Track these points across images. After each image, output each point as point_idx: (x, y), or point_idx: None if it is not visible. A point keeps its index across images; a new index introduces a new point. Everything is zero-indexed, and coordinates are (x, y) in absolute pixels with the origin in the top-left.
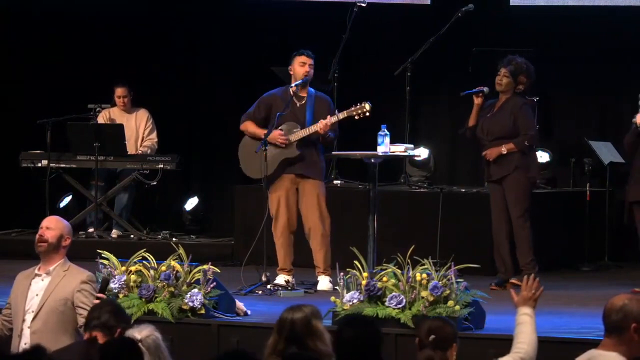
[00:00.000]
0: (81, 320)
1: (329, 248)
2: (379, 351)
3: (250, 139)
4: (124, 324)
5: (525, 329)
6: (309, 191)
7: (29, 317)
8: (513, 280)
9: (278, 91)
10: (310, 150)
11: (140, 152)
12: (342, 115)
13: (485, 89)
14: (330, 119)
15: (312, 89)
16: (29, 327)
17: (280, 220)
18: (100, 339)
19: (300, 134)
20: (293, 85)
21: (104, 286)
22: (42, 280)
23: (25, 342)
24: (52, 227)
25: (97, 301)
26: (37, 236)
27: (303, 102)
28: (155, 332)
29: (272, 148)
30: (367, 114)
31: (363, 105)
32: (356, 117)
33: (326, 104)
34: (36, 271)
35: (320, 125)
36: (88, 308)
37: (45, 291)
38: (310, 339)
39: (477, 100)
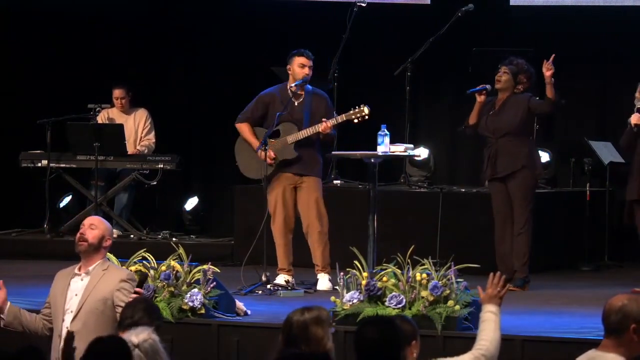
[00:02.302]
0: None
1: (327, 245)
2: (399, 351)
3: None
4: (157, 322)
5: (488, 327)
6: (306, 189)
7: (68, 317)
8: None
9: (276, 90)
10: (308, 149)
11: (137, 151)
12: (340, 118)
13: (488, 87)
14: (331, 121)
15: (309, 86)
16: (67, 327)
17: (278, 220)
18: None
19: (299, 135)
20: (293, 85)
21: (141, 281)
22: (82, 280)
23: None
24: (95, 226)
25: (135, 295)
26: (78, 235)
27: (300, 100)
28: (152, 335)
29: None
30: (366, 117)
31: (362, 108)
32: (355, 121)
33: (323, 101)
34: (76, 271)
35: (322, 127)
36: None
37: (85, 291)
38: (306, 344)
39: (480, 98)
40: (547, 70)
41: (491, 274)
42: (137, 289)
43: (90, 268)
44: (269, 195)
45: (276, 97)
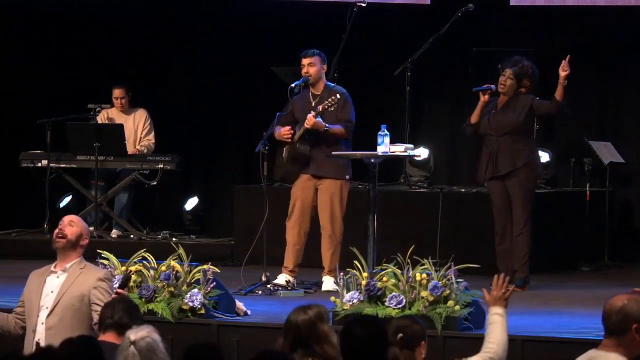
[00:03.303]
0: (96, 317)
1: (337, 250)
2: (386, 351)
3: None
4: (137, 321)
5: (495, 329)
6: (322, 191)
7: (43, 314)
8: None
9: (300, 94)
10: (321, 148)
11: (136, 152)
12: (319, 109)
13: (493, 87)
14: (311, 114)
15: (330, 84)
16: (42, 323)
17: (292, 219)
18: (114, 338)
19: (299, 132)
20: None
21: (125, 282)
22: (58, 277)
23: (39, 338)
24: (74, 224)
25: (115, 296)
26: (57, 231)
27: (318, 99)
28: (152, 334)
29: (285, 148)
30: (335, 105)
31: (334, 98)
32: (331, 109)
33: (335, 96)
34: (52, 268)
35: (306, 121)
36: None
37: (61, 287)
38: (316, 342)
39: (484, 98)
40: (563, 71)
41: (495, 276)
42: (119, 290)
43: (67, 265)
44: (292, 193)
45: (297, 102)
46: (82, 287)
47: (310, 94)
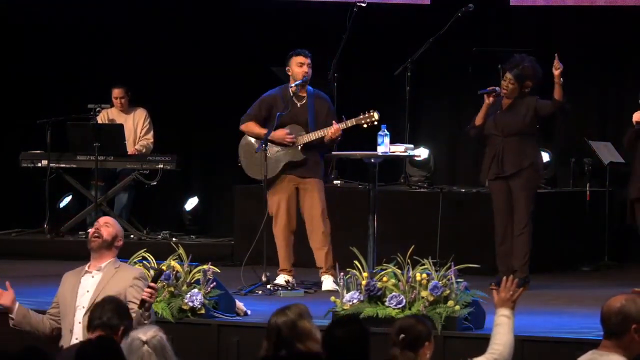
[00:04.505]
0: (133, 315)
1: (330, 247)
2: (367, 351)
3: (253, 139)
4: (126, 322)
5: (501, 330)
6: (310, 190)
7: (80, 313)
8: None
9: (278, 91)
10: (312, 152)
11: (135, 151)
12: (350, 123)
13: (498, 89)
14: (341, 125)
15: (310, 88)
16: (80, 322)
17: (280, 222)
18: None
19: (307, 137)
20: (292, 85)
21: (157, 277)
22: (93, 277)
23: (77, 337)
24: (109, 225)
25: (150, 290)
26: (92, 230)
27: (303, 102)
28: (160, 332)
29: (276, 149)
30: (375, 122)
31: (372, 114)
32: (364, 126)
33: (326, 104)
34: (86, 268)
35: (332, 131)
36: None
37: (98, 286)
38: (299, 341)
39: (489, 100)
40: (556, 70)
41: (504, 278)
42: (152, 284)
43: (102, 265)
44: (271, 197)
45: (278, 99)
46: (119, 285)
47: (292, 93)
